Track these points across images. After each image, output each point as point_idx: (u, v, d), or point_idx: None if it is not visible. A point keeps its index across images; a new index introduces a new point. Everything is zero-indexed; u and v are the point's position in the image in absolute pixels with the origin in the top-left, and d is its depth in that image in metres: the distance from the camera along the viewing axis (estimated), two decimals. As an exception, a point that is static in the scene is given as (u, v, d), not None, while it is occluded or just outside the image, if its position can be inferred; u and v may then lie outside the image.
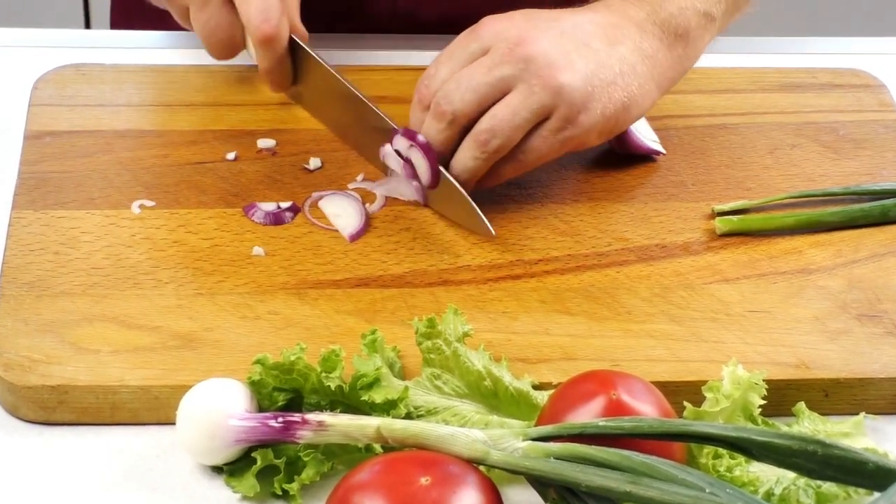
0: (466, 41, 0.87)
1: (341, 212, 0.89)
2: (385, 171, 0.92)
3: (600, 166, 0.96)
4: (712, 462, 0.71)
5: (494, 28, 0.86)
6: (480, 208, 0.87)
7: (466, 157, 0.86)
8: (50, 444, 0.75)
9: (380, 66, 1.04)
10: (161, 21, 1.10)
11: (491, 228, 0.86)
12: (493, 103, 0.85)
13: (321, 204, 0.89)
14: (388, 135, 0.89)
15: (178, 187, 0.91)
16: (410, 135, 0.87)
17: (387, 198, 0.91)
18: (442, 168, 0.87)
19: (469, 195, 0.86)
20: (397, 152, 0.89)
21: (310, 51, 0.92)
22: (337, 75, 0.91)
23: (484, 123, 0.85)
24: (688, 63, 0.92)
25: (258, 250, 0.86)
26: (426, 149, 0.86)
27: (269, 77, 0.93)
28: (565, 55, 0.85)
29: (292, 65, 0.93)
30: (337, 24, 1.08)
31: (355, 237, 0.87)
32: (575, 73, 0.84)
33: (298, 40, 0.92)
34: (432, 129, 0.86)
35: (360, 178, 0.93)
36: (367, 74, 1.01)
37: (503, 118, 0.84)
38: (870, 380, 0.79)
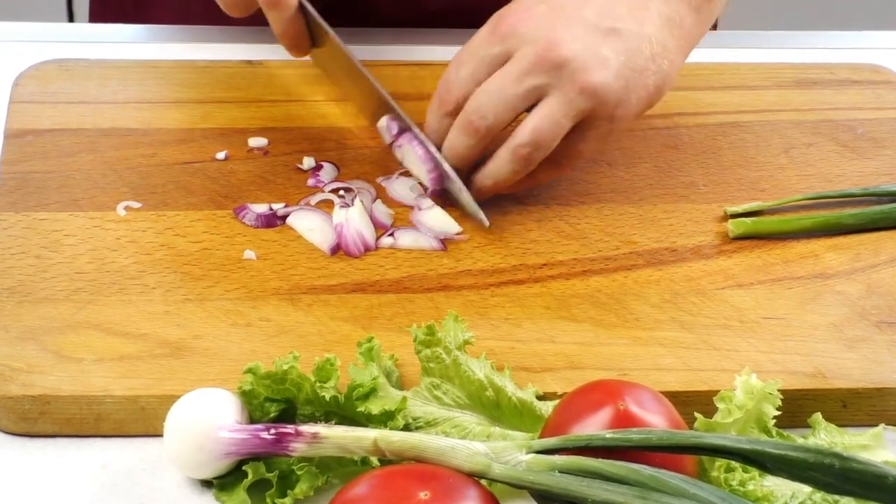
0: (488, 43, 0.86)
1: (314, 226, 0.89)
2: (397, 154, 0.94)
3: (607, 166, 0.97)
4: (725, 476, 0.71)
5: (518, 28, 0.85)
6: (482, 207, 0.88)
7: (503, 169, 0.87)
8: (31, 457, 0.75)
9: (388, 60, 1.04)
10: (139, 13, 1.10)
11: (485, 219, 0.88)
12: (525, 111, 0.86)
13: (290, 221, 0.89)
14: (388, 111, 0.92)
15: (166, 188, 0.91)
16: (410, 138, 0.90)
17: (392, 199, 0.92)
18: (438, 156, 0.89)
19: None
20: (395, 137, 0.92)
21: (317, 17, 0.93)
22: (341, 45, 0.93)
23: (524, 136, 0.85)
24: (711, 19, 0.92)
25: (249, 254, 0.86)
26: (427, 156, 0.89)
27: (283, 41, 0.94)
28: (595, 53, 0.84)
29: (308, 28, 0.94)
30: (338, 10, 1.09)
31: (335, 250, 0.87)
32: (608, 70, 0.84)
33: (308, 5, 0.93)
34: (460, 144, 0.87)
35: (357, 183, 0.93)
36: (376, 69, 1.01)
37: (545, 130, 0.84)
38: (890, 389, 0.79)
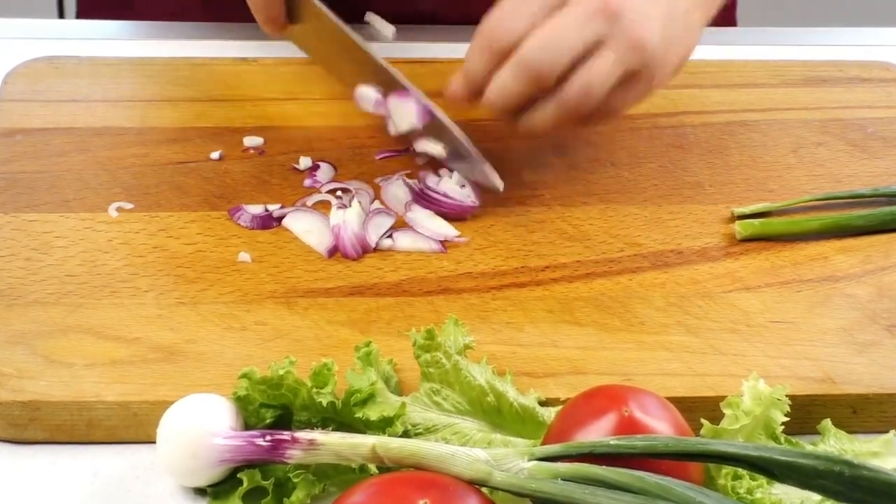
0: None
1: (310, 228, 0.89)
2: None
3: (611, 166, 0.97)
4: (732, 483, 0.71)
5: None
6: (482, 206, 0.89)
7: (549, 116, 0.85)
8: (20, 464, 0.75)
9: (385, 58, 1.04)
10: (126, 9, 1.10)
11: (499, 182, 0.88)
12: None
13: (286, 222, 0.89)
14: (381, 79, 0.92)
15: (159, 189, 0.91)
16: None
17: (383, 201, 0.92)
18: (442, 117, 0.90)
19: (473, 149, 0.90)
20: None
21: None
22: (329, 15, 0.93)
23: (576, 87, 0.83)
24: None
25: (244, 256, 0.86)
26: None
27: (258, 15, 0.93)
28: (643, 9, 0.84)
29: (285, 3, 0.94)
30: (333, 8, 1.09)
31: (332, 252, 0.87)
32: (654, 31, 0.84)
33: None
34: (513, 88, 0.84)
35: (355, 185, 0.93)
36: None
37: (597, 84, 0.83)
38: (901, 395, 0.79)
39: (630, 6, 0.83)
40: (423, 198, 0.91)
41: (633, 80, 0.85)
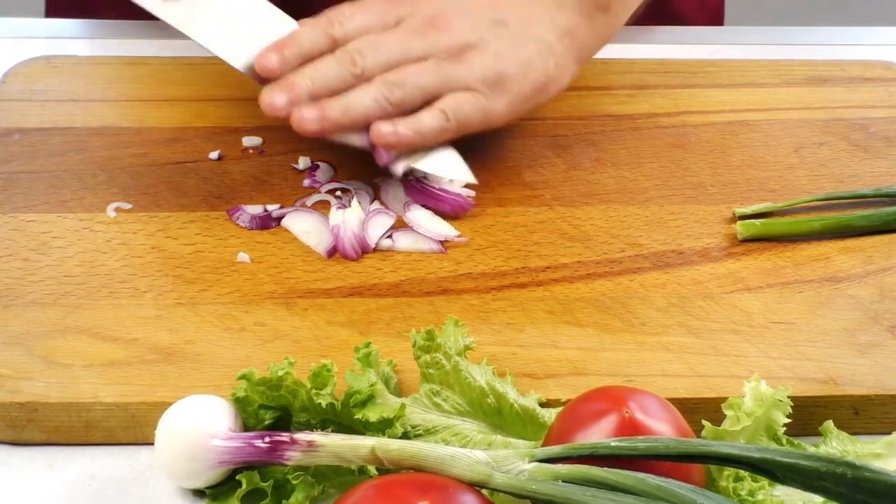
0: (382, 6, 0.89)
1: (310, 228, 0.89)
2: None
3: (612, 166, 0.97)
4: (733, 485, 0.71)
5: (415, 5, 0.89)
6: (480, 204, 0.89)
7: (366, 101, 0.87)
8: (18, 465, 0.75)
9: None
10: (86, 11, 1.10)
11: (471, 175, 0.89)
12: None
13: (285, 222, 0.89)
14: None
15: (158, 189, 0.91)
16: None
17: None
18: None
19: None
20: None
21: None
22: None
23: (390, 76, 0.87)
24: (611, 31, 0.96)
25: (243, 257, 0.86)
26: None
27: None
28: (480, 35, 0.88)
29: None
30: None
31: (332, 253, 0.87)
32: (486, 50, 0.88)
33: None
34: (333, 70, 0.86)
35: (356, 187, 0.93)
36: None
37: (413, 76, 0.87)
38: (903, 396, 0.79)
39: (459, 28, 0.88)
40: (418, 191, 0.91)
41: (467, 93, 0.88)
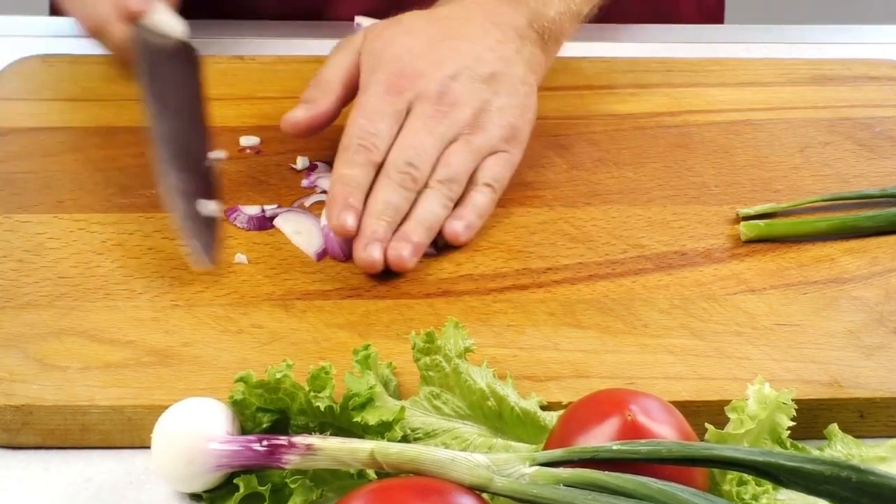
0: (390, 100, 0.90)
1: (301, 229, 0.89)
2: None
3: (614, 166, 0.97)
4: (737, 489, 0.71)
5: (416, 85, 0.91)
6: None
7: (435, 205, 0.89)
8: (13, 469, 0.75)
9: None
10: None
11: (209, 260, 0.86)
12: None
13: (277, 223, 0.90)
14: None
15: (154, 189, 0.91)
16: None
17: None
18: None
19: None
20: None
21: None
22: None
23: (441, 174, 0.90)
24: (555, 54, 1.00)
25: (241, 258, 0.86)
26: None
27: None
28: (483, 99, 0.92)
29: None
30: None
31: (321, 256, 0.87)
32: (502, 116, 0.92)
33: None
34: (400, 198, 0.88)
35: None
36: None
37: (458, 166, 0.90)
38: (909, 399, 0.79)
39: (467, 104, 0.91)
40: None
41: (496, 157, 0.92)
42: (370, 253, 0.85)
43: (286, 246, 0.88)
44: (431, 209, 0.88)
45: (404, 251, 0.86)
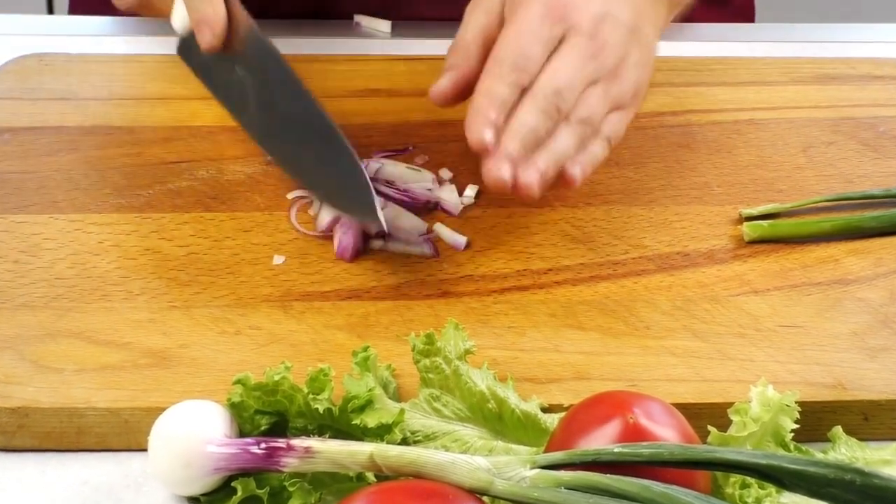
0: (547, 25, 0.87)
1: (340, 223, 0.89)
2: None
3: (616, 166, 0.97)
4: (740, 492, 0.71)
5: (572, 16, 0.88)
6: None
7: (569, 142, 0.87)
8: (9, 472, 0.75)
9: (381, 55, 1.04)
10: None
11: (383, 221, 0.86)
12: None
13: (314, 210, 0.89)
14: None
15: (151, 189, 0.91)
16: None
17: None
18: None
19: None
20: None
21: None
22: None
23: (582, 113, 0.87)
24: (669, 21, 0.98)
25: (279, 259, 0.86)
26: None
27: (199, 28, 0.91)
28: (626, 50, 0.89)
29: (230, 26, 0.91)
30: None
31: (354, 256, 0.87)
32: (647, 64, 0.91)
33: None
34: (541, 123, 0.86)
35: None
36: (356, 65, 1.01)
37: (595, 108, 0.88)
38: (914, 402, 0.79)
39: (616, 44, 0.88)
40: (386, 196, 0.91)
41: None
42: (501, 172, 0.83)
43: (284, 246, 0.88)
44: (566, 145, 0.86)
45: (535, 179, 0.84)
